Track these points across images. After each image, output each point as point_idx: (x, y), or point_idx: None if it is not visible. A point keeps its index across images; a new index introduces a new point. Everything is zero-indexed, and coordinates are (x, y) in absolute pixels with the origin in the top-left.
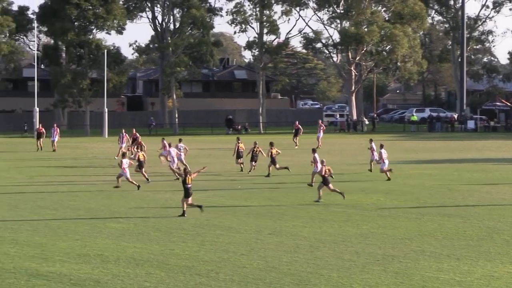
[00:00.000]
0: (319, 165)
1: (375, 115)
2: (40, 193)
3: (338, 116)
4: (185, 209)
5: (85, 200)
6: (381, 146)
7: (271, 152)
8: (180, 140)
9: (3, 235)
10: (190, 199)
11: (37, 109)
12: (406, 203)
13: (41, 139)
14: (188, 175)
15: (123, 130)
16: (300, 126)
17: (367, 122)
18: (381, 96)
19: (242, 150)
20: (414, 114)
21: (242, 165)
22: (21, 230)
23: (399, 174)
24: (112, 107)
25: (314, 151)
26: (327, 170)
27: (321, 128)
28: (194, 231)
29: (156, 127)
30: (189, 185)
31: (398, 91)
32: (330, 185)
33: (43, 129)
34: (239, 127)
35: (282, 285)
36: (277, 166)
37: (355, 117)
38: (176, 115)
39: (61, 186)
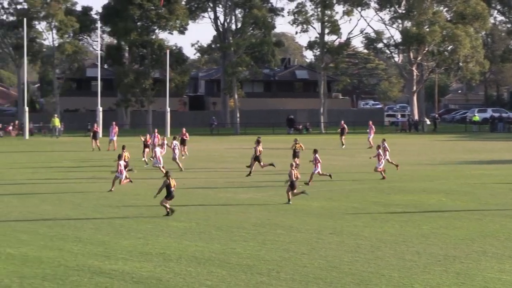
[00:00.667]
0: (319, 166)
1: (437, 115)
2: (103, 192)
3: (399, 116)
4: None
5: (147, 199)
6: (378, 147)
7: (257, 150)
8: (174, 138)
9: (67, 233)
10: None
11: (100, 109)
12: (467, 204)
13: (97, 139)
14: (170, 178)
15: (156, 130)
16: (345, 126)
17: (428, 122)
18: (442, 96)
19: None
20: (476, 114)
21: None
22: (84, 228)
23: (461, 174)
24: (174, 106)
25: (315, 151)
26: (297, 174)
27: (371, 129)
28: (255, 230)
29: (218, 126)
30: (172, 188)
31: (459, 91)
32: (295, 190)
33: (98, 129)
34: (300, 127)
35: (343, 285)
36: (262, 164)
37: (416, 117)
38: (238, 115)
39: (128, 184)
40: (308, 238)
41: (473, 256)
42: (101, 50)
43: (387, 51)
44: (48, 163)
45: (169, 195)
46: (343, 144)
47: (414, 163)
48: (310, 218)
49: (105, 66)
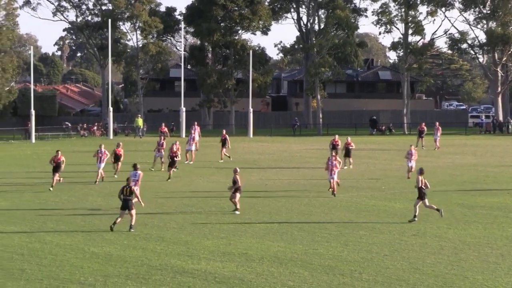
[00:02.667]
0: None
1: None
2: (185, 192)
3: (483, 117)
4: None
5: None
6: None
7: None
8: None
9: (150, 232)
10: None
11: (184, 109)
12: None
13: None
14: (130, 187)
15: (195, 123)
16: (425, 128)
17: None
18: None
19: (352, 147)
20: None
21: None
22: (167, 228)
23: None
24: (257, 107)
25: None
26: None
27: (438, 130)
28: (338, 231)
29: (300, 127)
30: (128, 197)
31: None
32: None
33: (166, 129)
34: (383, 127)
35: (426, 287)
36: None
37: (501, 118)
38: (320, 116)
39: (206, 183)
40: (391, 240)
41: None
42: (184, 50)
43: (472, 52)
44: (131, 163)
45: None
46: (423, 145)
47: (499, 165)
48: (393, 220)
49: (188, 67)
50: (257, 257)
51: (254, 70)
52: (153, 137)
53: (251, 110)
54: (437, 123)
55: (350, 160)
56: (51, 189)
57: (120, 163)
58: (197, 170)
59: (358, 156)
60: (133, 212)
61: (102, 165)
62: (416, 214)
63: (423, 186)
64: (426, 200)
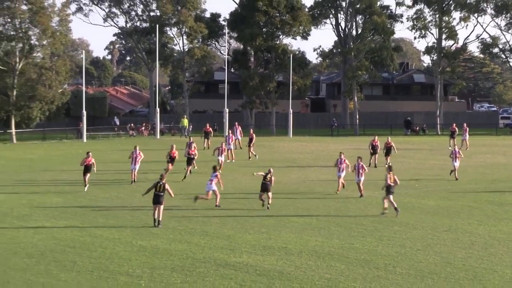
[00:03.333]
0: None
1: None
2: (228, 188)
3: None
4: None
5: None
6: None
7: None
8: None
9: (194, 227)
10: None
11: (227, 110)
12: None
13: (209, 139)
14: (163, 183)
15: (236, 123)
16: (456, 128)
17: None
18: None
19: (391, 146)
20: None
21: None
22: (210, 223)
23: None
24: (297, 108)
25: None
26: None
27: (465, 131)
28: (373, 226)
29: (338, 128)
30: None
31: None
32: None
33: (210, 129)
34: (417, 128)
35: (457, 280)
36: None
37: None
38: (357, 117)
39: (249, 180)
40: (424, 235)
41: None
42: (228, 54)
43: (503, 56)
44: (178, 161)
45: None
46: (450, 145)
47: None
48: (426, 216)
49: (232, 70)
50: (296, 251)
51: (294, 73)
52: (198, 136)
53: (291, 111)
54: (465, 124)
55: (389, 159)
56: (85, 189)
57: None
58: (240, 168)
59: (392, 156)
60: (162, 207)
61: (137, 166)
62: (385, 207)
63: (391, 183)
64: (391, 197)
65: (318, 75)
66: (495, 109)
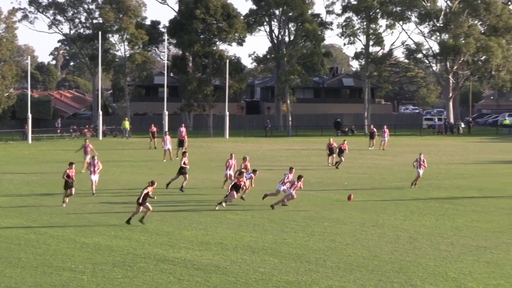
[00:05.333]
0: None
1: (471, 119)
2: (170, 188)
3: (436, 120)
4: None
5: (207, 193)
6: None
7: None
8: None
9: (135, 224)
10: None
11: (166, 113)
12: (498, 199)
13: (154, 139)
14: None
15: (183, 125)
16: (375, 130)
17: (463, 126)
18: (476, 102)
19: (334, 146)
20: (506, 118)
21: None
22: (150, 220)
23: (492, 173)
24: (233, 111)
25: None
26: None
27: (385, 132)
28: (305, 222)
29: (271, 129)
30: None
31: (491, 98)
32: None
33: (155, 129)
34: (346, 129)
35: (384, 272)
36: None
37: (452, 121)
38: (290, 119)
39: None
40: (353, 230)
41: (502, 247)
42: (167, 60)
43: (426, 61)
44: (119, 161)
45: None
46: (370, 146)
47: (450, 163)
48: (355, 212)
49: (171, 75)
50: (232, 246)
51: (230, 77)
52: (138, 138)
53: (227, 113)
54: (385, 126)
55: (333, 156)
56: (64, 205)
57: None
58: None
59: (324, 155)
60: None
61: (96, 177)
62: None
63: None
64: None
65: (253, 79)
66: (419, 111)
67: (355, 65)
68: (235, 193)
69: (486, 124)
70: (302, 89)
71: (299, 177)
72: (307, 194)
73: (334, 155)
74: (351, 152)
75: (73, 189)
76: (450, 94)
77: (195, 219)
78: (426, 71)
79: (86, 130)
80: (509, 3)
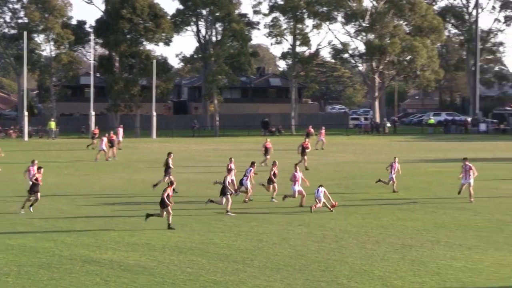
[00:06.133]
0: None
1: (396, 118)
2: (96, 188)
3: (362, 119)
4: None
5: (135, 194)
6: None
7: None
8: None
9: (61, 225)
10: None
11: (93, 113)
12: (423, 198)
13: (95, 140)
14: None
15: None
16: (312, 130)
17: (388, 125)
18: (401, 101)
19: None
20: (431, 117)
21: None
22: (77, 221)
23: (417, 171)
24: (160, 111)
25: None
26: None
27: (322, 134)
28: (232, 222)
29: (199, 129)
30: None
31: (417, 97)
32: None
33: (97, 131)
34: (274, 129)
35: (310, 271)
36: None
37: (378, 120)
38: (217, 119)
39: (114, 180)
40: (279, 230)
41: (427, 245)
42: (94, 60)
43: (352, 61)
44: (45, 162)
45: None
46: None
47: (375, 162)
48: (282, 212)
49: (98, 75)
50: (159, 246)
51: (157, 77)
52: (65, 138)
53: (155, 113)
54: (323, 128)
55: (267, 157)
56: (22, 211)
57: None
58: (107, 168)
59: (252, 156)
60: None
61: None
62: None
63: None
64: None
65: (180, 79)
66: (345, 110)
67: (282, 65)
68: (223, 198)
69: (412, 123)
70: (230, 89)
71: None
72: (234, 195)
73: (268, 156)
74: (279, 152)
75: (39, 194)
76: (376, 94)
77: (121, 220)
78: (353, 71)
79: (11, 131)
80: (433, 3)
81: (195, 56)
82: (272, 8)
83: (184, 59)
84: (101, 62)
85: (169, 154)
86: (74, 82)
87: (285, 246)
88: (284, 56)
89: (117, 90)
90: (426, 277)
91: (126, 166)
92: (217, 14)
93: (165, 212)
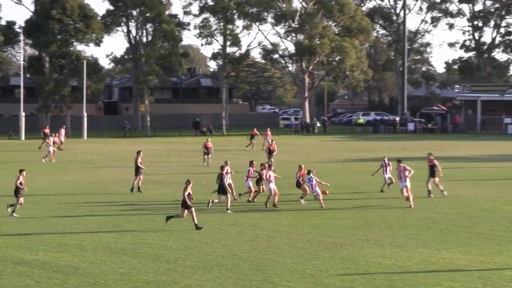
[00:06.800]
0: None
1: (326, 118)
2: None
3: (293, 119)
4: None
5: (65, 194)
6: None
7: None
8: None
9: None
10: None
11: (23, 114)
12: (353, 197)
13: (46, 140)
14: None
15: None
16: (257, 132)
17: (318, 125)
18: (331, 102)
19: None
20: (360, 117)
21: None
22: (7, 223)
23: (347, 171)
24: (91, 111)
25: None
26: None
27: (267, 135)
28: (164, 222)
29: (130, 129)
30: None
31: (346, 97)
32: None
33: (47, 131)
34: (205, 129)
35: (242, 271)
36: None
37: (308, 120)
38: (148, 119)
39: (45, 181)
40: (211, 229)
41: (357, 243)
42: (24, 60)
43: (282, 61)
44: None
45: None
46: (249, 145)
47: (306, 161)
48: (214, 212)
49: (28, 75)
50: (91, 247)
51: (88, 78)
52: None
53: (85, 114)
54: (268, 129)
55: (209, 157)
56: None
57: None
58: (39, 169)
59: (182, 155)
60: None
61: None
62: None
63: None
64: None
65: (111, 79)
66: (276, 110)
67: (212, 65)
68: (221, 196)
69: (341, 123)
70: (160, 89)
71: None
72: (166, 194)
73: (210, 156)
74: (218, 153)
75: (22, 198)
76: (306, 94)
77: (53, 221)
78: (283, 71)
79: None
80: (362, 4)
81: (126, 57)
82: (203, 9)
83: (115, 60)
84: (31, 63)
85: (138, 153)
86: (4, 83)
87: (217, 245)
88: (214, 56)
89: (48, 91)
90: (356, 275)
91: (57, 167)
92: (148, 14)
93: (186, 212)
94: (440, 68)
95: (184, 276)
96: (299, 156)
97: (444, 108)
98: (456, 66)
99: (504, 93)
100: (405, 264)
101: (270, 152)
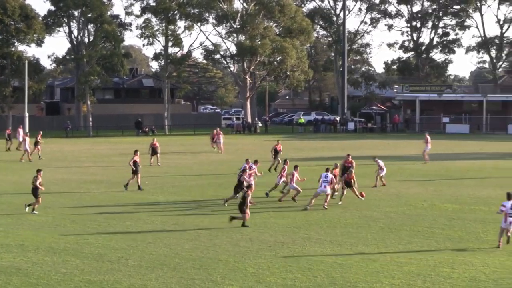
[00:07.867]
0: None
1: (267, 118)
2: None
3: (234, 119)
4: None
5: (7, 194)
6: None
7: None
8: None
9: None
10: None
11: None
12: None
13: (10, 141)
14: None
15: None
16: (281, 149)
17: (260, 125)
18: (272, 101)
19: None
20: (301, 117)
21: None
22: None
23: (289, 170)
24: (32, 112)
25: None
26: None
27: (220, 135)
28: (106, 222)
29: (72, 130)
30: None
31: (287, 97)
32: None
33: (9, 131)
34: (147, 129)
35: (185, 270)
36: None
37: (249, 120)
38: (90, 119)
39: None
40: (154, 229)
41: (299, 242)
42: None
43: (224, 62)
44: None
45: None
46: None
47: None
48: (156, 211)
49: None
50: (33, 247)
51: (30, 78)
52: None
53: (27, 114)
54: (218, 129)
55: (158, 156)
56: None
57: None
58: None
59: (125, 155)
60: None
61: None
62: None
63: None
64: None
65: (52, 80)
66: (218, 110)
67: (154, 65)
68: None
69: (282, 122)
70: (102, 89)
71: (295, 167)
72: (108, 194)
73: (159, 155)
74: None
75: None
76: (248, 94)
77: None
78: (224, 71)
79: None
80: (302, 5)
81: (68, 57)
82: (144, 10)
83: (57, 60)
84: None
85: (135, 152)
86: None
87: (160, 245)
88: (156, 57)
89: None
90: (298, 273)
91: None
92: (89, 15)
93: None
94: (379, 68)
95: (127, 276)
96: (241, 155)
97: (384, 107)
98: (395, 67)
99: (442, 93)
100: (346, 261)
101: (276, 152)
